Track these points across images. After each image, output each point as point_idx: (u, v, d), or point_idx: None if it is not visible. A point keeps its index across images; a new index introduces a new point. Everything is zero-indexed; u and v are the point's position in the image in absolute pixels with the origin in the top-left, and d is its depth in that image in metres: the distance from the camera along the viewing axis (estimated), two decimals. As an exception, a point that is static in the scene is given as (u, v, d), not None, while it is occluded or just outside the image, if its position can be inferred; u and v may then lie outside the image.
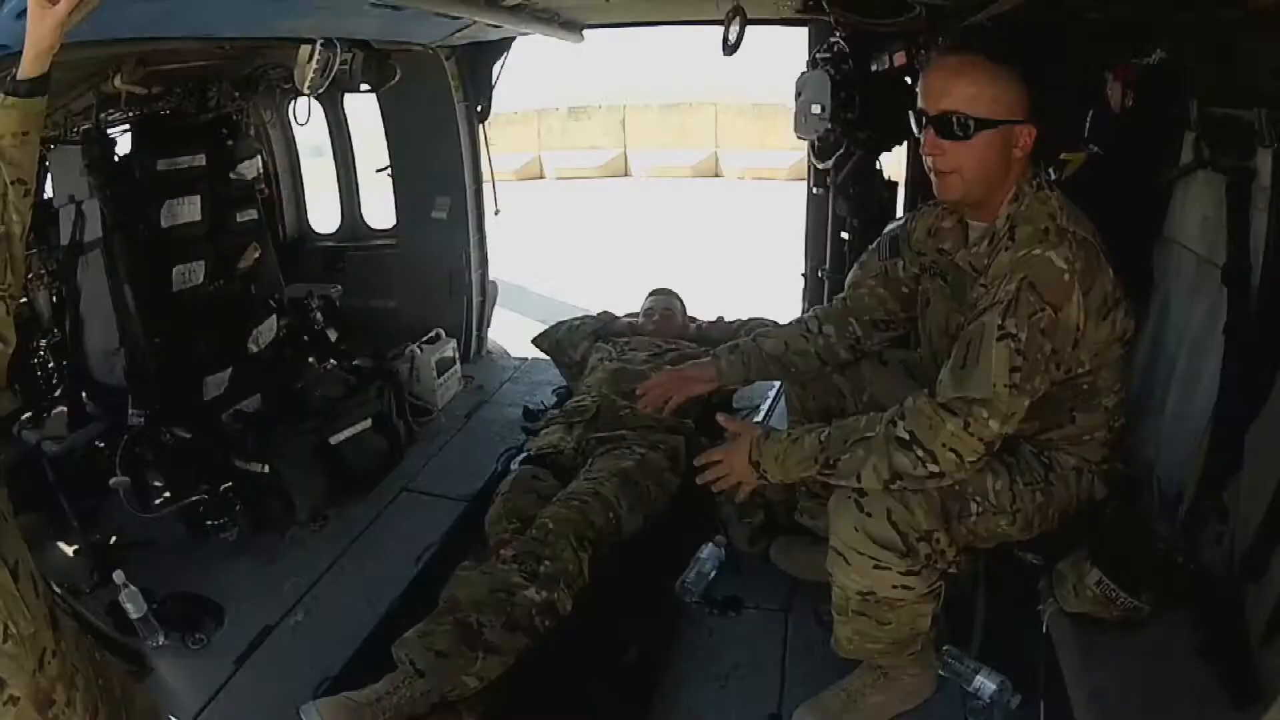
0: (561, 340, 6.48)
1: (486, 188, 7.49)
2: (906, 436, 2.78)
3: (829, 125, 5.38)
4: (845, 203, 5.80)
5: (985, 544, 3.24)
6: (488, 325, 7.97)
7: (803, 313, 4.85)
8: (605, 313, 6.77)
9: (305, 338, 6.56)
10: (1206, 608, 2.94)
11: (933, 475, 2.80)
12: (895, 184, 5.75)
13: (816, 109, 5.39)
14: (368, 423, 5.64)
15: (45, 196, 4.98)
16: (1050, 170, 3.64)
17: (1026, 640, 3.42)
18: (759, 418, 5.53)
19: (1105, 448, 3.20)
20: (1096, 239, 2.89)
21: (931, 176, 3.04)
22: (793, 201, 7.27)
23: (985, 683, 3.50)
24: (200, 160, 5.27)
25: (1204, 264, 3.49)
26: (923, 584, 3.01)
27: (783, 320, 4.81)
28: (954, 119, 2.86)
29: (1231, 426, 3.09)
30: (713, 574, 4.41)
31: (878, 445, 2.83)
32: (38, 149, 2.40)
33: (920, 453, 2.75)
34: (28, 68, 2.29)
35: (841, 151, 5.62)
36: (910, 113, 3.04)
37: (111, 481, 4.66)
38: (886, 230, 3.77)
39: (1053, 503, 3.15)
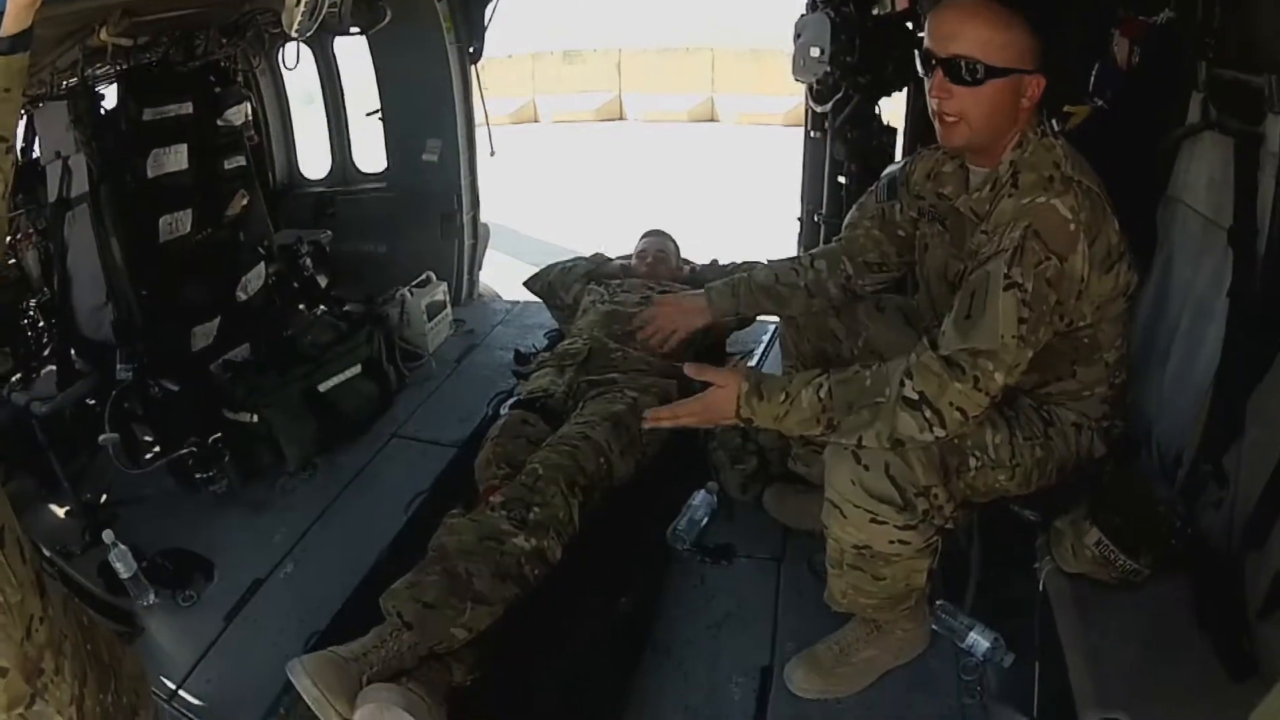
0: (554, 282, 6.43)
1: (480, 130, 7.42)
2: (915, 397, 2.70)
3: (828, 68, 5.33)
4: (843, 147, 5.73)
5: (982, 498, 3.20)
6: (479, 268, 7.93)
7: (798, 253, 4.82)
8: (598, 254, 6.73)
9: (295, 284, 6.53)
10: (1204, 574, 2.92)
11: (937, 438, 2.75)
12: (894, 129, 5.69)
13: (815, 52, 5.34)
14: (357, 369, 5.63)
15: (34, 155, 4.98)
16: (1054, 122, 3.61)
17: (1021, 598, 3.40)
18: (753, 361, 5.49)
19: (1106, 404, 3.17)
20: (1101, 189, 2.84)
21: (935, 121, 2.97)
22: (789, 146, 7.21)
23: (979, 640, 3.49)
24: (187, 108, 5.21)
25: (1209, 225, 3.45)
26: (919, 539, 2.98)
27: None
28: (964, 63, 2.78)
29: (1234, 391, 3.06)
30: (704, 521, 4.40)
31: (885, 411, 2.76)
32: (19, 106, 2.36)
33: (929, 413, 2.69)
34: (8, 24, 2.25)
35: (840, 95, 5.54)
36: (916, 53, 2.97)
37: (101, 438, 4.64)
38: (886, 173, 3.73)
39: (1051, 458, 3.12)
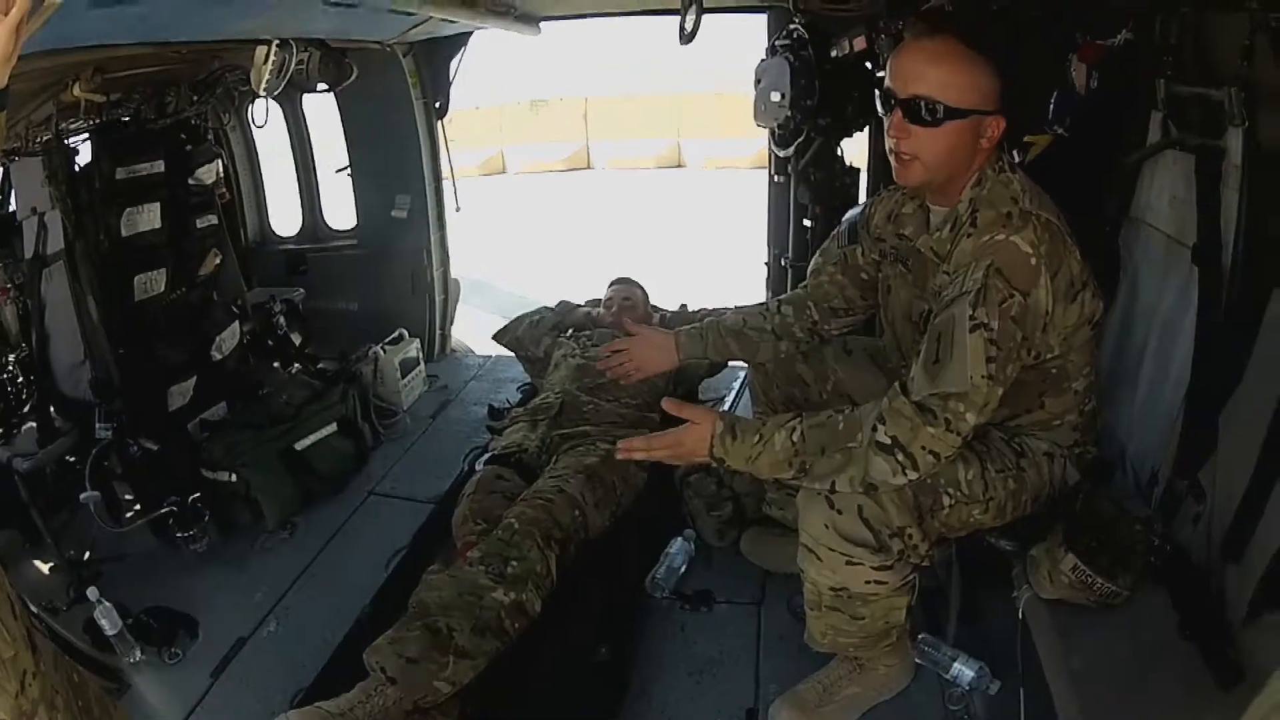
0: (522, 336, 6.44)
1: (447, 185, 7.48)
2: (888, 441, 2.72)
3: (789, 112, 5.35)
4: (807, 190, 5.81)
5: (958, 534, 3.22)
6: (451, 323, 7.98)
7: (766, 299, 4.88)
8: (563, 303, 6.78)
9: (269, 343, 6.54)
10: (1185, 588, 2.95)
11: (910, 480, 2.77)
12: (857, 170, 5.75)
13: (776, 96, 5.38)
14: (333, 427, 5.64)
15: (10, 210, 5.00)
16: (1014, 154, 3.65)
17: (1003, 626, 3.42)
18: (724, 408, 5.52)
19: (1077, 431, 3.19)
20: (1061, 220, 2.86)
21: (891, 159, 3.01)
22: (756, 189, 7.26)
23: (963, 670, 3.52)
24: (159, 167, 5.25)
25: (1173, 244, 3.50)
26: (896, 578, 2.99)
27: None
28: (923, 104, 2.81)
29: (1206, 407, 3.11)
30: (682, 569, 4.43)
31: (858, 456, 2.77)
32: None
33: (901, 456, 2.70)
34: None
35: (802, 139, 5.59)
36: (877, 92, 3.01)
37: (82, 496, 4.62)
38: (846, 217, 3.77)
39: (1025, 489, 3.14)
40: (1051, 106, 3.91)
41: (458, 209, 7.54)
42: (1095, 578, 2.93)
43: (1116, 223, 3.90)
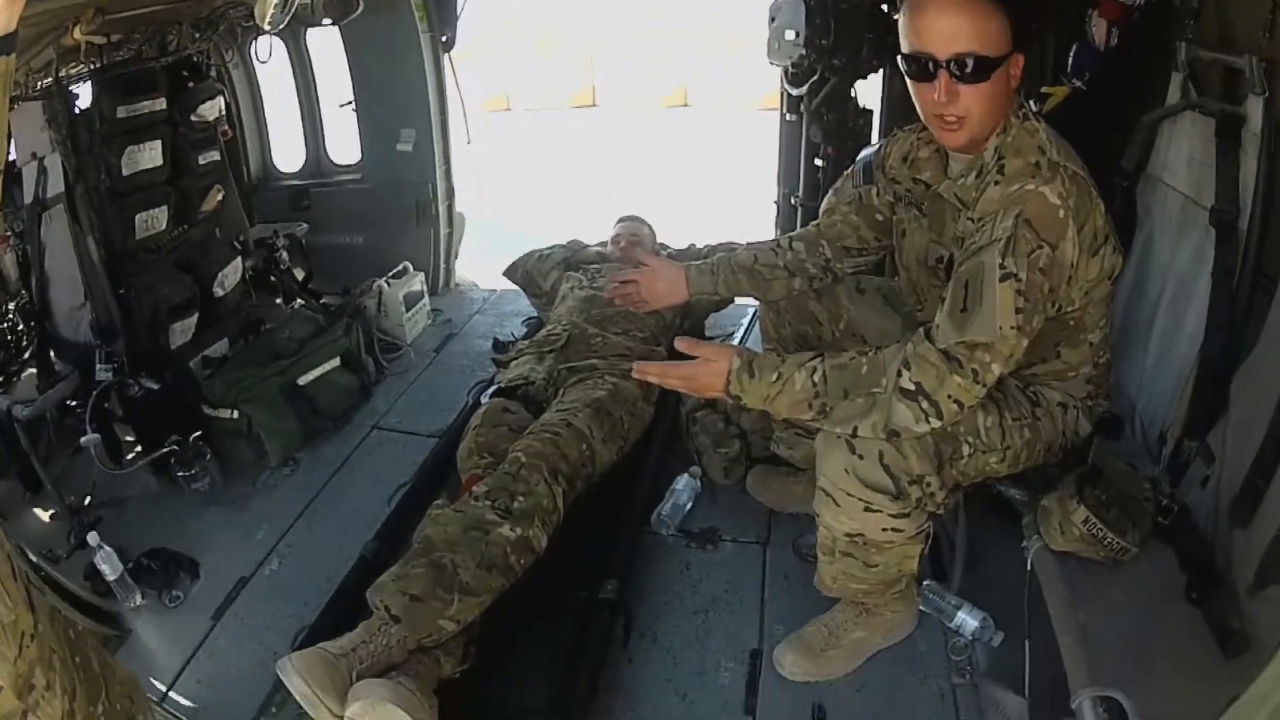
0: (531, 270, 6.39)
1: (458, 118, 7.43)
2: (912, 387, 2.67)
3: (803, 51, 5.30)
4: (819, 130, 5.75)
5: (972, 481, 3.18)
6: (456, 258, 7.96)
7: (776, 236, 4.82)
8: (574, 240, 6.70)
9: (272, 278, 6.50)
10: (1192, 552, 2.93)
11: (933, 428, 2.73)
12: (870, 111, 5.70)
13: (790, 35, 5.31)
14: (336, 361, 5.64)
15: (9, 157, 4.91)
16: (1031, 103, 3.60)
17: (1007, 577, 3.40)
18: (734, 344, 5.52)
19: (1090, 384, 3.16)
20: (1086, 173, 2.80)
21: (934, 124, 2.90)
22: (765, 131, 7.19)
23: (967, 619, 3.52)
24: (160, 104, 5.20)
25: (1190, 204, 3.48)
26: (912, 526, 2.96)
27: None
28: (971, 60, 2.69)
29: (1217, 369, 3.10)
30: (688, 506, 4.43)
31: (882, 401, 2.72)
32: (6, 113, 2.30)
33: (925, 404, 2.66)
34: None
35: (815, 78, 5.56)
36: (902, 59, 2.85)
37: (82, 440, 4.60)
38: (861, 156, 3.75)
39: (1039, 438, 3.11)
40: (1070, 59, 3.88)
41: (469, 141, 7.50)
42: (1106, 532, 2.93)
43: (1134, 178, 3.86)
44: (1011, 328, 2.60)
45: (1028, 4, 3.44)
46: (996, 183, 2.78)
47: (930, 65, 2.73)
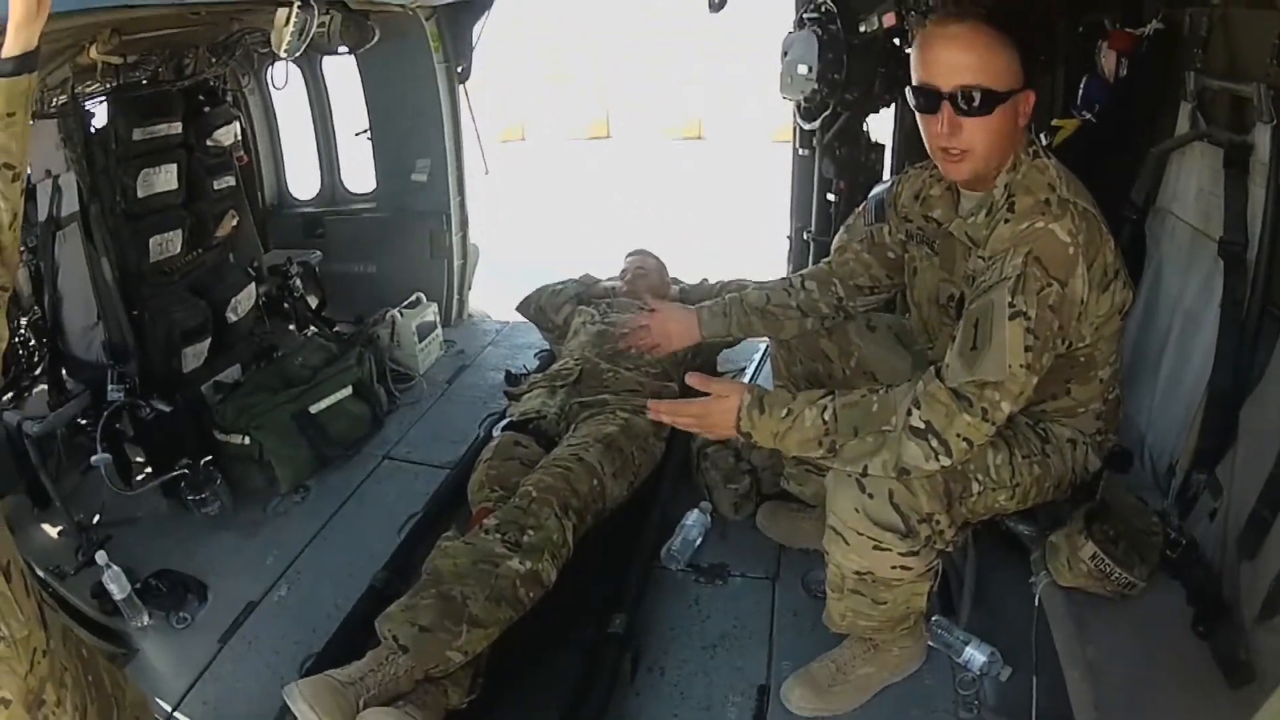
0: (544, 305, 6.38)
1: (474, 148, 7.45)
2: (922, 425, 2.68)
3: (815, 85, 5.31)
4: (831, 164, 5.75)
5: (981, 518, 3.18)
6: (469, 288, 7.95)
7: (788, 274, 4.84)
8: (586, 275, 6.69)
9: (285, 305, 6.53)
10: (1200, 584, 2.92)
11: (943, 466, 2.73)
12: (882, 146, 5.70)
13: (803, 69, 5.33)
14: (348, 390, 5.64)
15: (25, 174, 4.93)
16: (1041, 136, 3.61)
17: (1015, 612, 3.40)
18: (744, 380, 5.52)
19: (1100, 420, 3.16)
20: (1096, 209, 2.81)
21: (937, 156, 2.91)
22: (777, 163, 7.21)
23: (975, 654, 3.50)
24: (176, 128, 5.23)
25: (1198, 235, 3.49)
26: (921, 564, 2.96)
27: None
28: (975, 93, 2.71)
29: (1226, 401, 3.10)
30: (698, 541, 4.42)
31: (891, 440, 2.73)
32: (27, 132, 2.31)
33: (935, 443, 2.66)
34: (10, 43, 2.19)
35: (828, 113, 5.55)
36: (911, 91, 2.88)
37: (93, 459, 4.61)
38: (872, 194, 3.73)
39: (1049, 475, 3.10)
40: (1080, 91, 3.89)
41: (486, 171, 7.52)
42: (1114, 567, 2.90)
43: (1143, 211, 3.87)
44: (1021, 366, 2.61)
45: (1035, 37, 3.47)
46: (1007, 220, 2.79)
47: (935, 97, 2.76)
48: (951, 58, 2.73)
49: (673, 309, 3.92)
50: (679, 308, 3.93)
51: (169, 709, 3.66)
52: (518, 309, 6.61)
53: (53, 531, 4.73)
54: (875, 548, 2.89)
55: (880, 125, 5.69)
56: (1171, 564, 3.00)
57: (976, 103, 2.70)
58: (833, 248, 3.84)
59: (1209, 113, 3.47)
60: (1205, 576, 2.95)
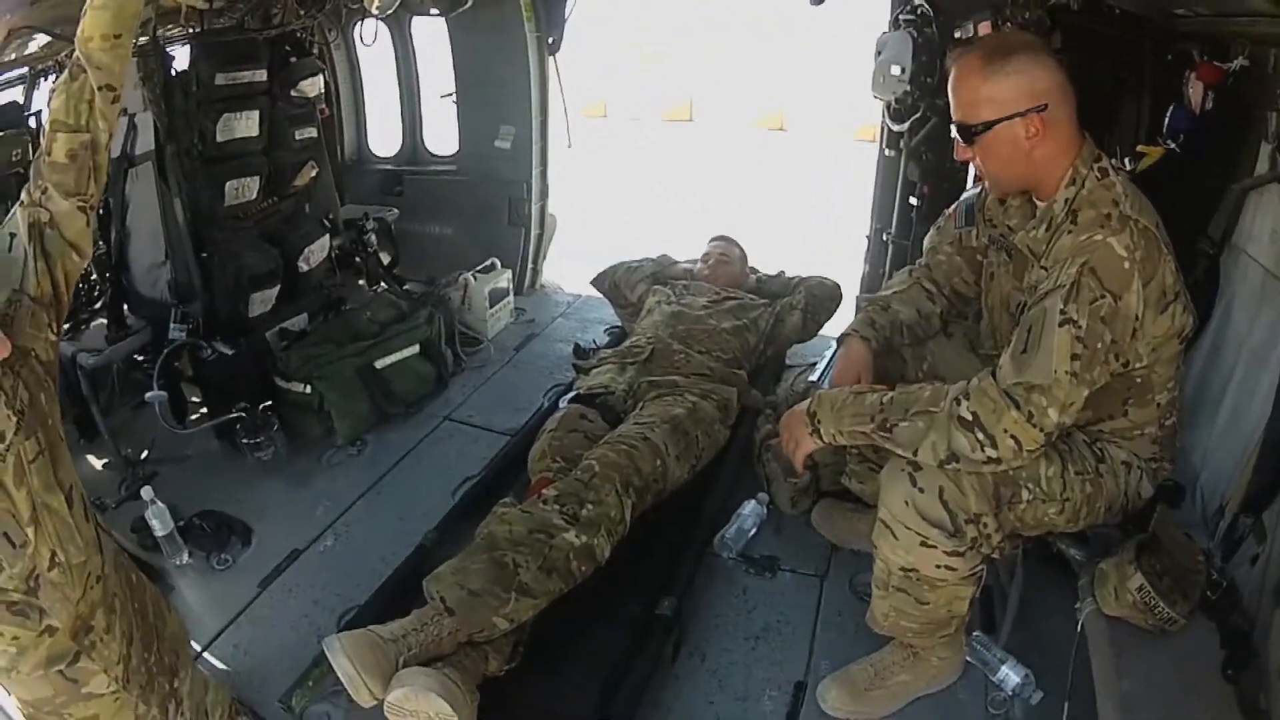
0: (619, 281, 6.34)
1: (559, 121, 7.43)
2: (969, 417, 2.72)
3: (907, 87, 5.33)
4: (917, 168, 5.74)
5: (1030, 531, 3.16)
6: (544, 259, 7.94)
7: (865, 275, 4.79)
8: (664, 256, 6.64)
9: (357, 259, 6.54)
10: (1234, 629, 2.90)
11: (990, 460, 2.73)
12: (970, 155, 5.62)
13: (896, 70, 5.35)
14: (415, 349, 5.65)
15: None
16: (1125, 161, 3.57)
17: (1055, 636, 3.38)
18: (814, 375, 5.44)
19: (1156, 445, 3.14)
20: (1159, 230, 2.82)
21: None
22: (859, 161, 7.16)
23: (1010, 674, 3.47)
24: (261, 75, 5.22)
25: (1270, 277, 3.46)
26: (966, 566, 2.95)
27: (844, 279, 4.76)
28: (962, 127, 2.95)
29: None
30: (753, 532, 4.38)
31: (940, 422, 2.78)
32: (129, 55, 2.32)
33: (981, 436, 2.70)
34: None
35: (918, 116, 5.53)
36: None
37: (148, 395, 4.65)
38: (964, 197, 3.71)
39: (1101, 495, 3.08)
40: (1166, 120, 3.90)
41: (569, 144, 7.50)
42: (1158, 601, 2.89)
43: (1219, 247, 3.84)
44: (1067, 373, 2.65)
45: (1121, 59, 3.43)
46: (1069, 232, 2.82)
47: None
48: (950, 94, 3.03)
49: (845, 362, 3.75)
50: (844, 356, 3.71)
51: (199, 648, 3.65)
52: (592, 283, 6.58)
53: (97, 464, 4.77)
54: (922, 544, 2.92)
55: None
56: (1210, 605, 2.97)
57: (963, 134, 2.97)
58: (925, 248, 3.80)
59: (1290, 155, 3.43)
60: (1240, 621, 2.93)
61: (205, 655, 3.66)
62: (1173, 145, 3.88)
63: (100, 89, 2.24)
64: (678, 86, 24.66)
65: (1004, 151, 2.88)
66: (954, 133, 2.99)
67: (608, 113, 23.89)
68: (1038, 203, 3.07)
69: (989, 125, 2.84)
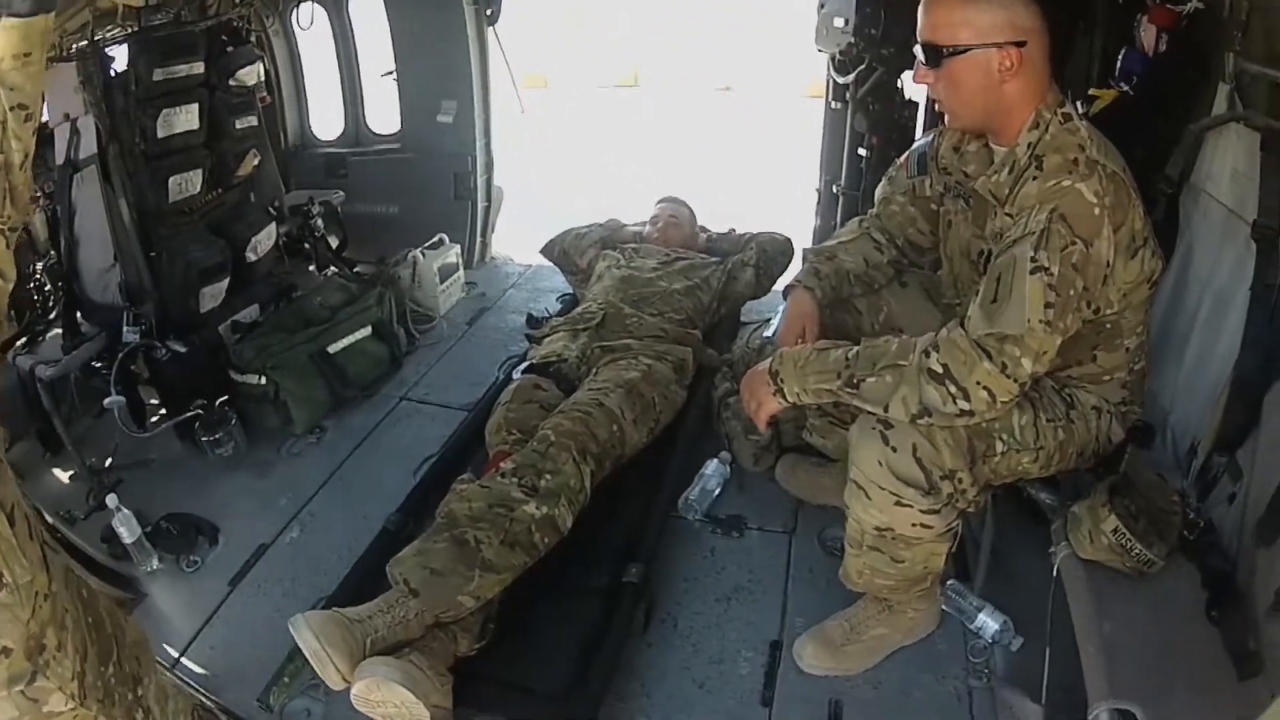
0: (568, 248, 6.31)
1: (507, 89, 7.39)
2: (940, 370, 2.70)
3: (851, 39, 5.35)
4: (864, 119, 5.75)
5: (1004, 480, 3.17)
6: (493, 231, 7.95)
7: (817, 228, 4.79)
8: (613, 220, 6.63)
9: (306, 245, 6.51)
10: (1215, 569, 2.94)
11: (963, 413, 2.72)
12: (916, 104, 5.70)
13: (839, 22, 5.38)
14: (367, 330, 5.63)
15: (42, 118, 4.89)
16: (1079, 104, 3.58)
17: (1030, 582, 3.41)
18: (769, 331, 5.49)
19: (1125, 389, 3.16)
20: (1126, 174, 2.82)
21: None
22: (810, 117, 7.17)
23: (988, 621, 3.50)
24: (198, 68, 5.18)
25: (1232, 217, 3.49)
26: (942, 523, 2.95)
27: (795, 234, 4.77)
28: (926, 48, 2.89)
29: (1251, 385, 3.11)
30: (717, 492, 4.40)
31: (909, 376, 2.76)
32: (42, 72, 2.29)
33: (953, 389, 2.68)
34: None
35: (863, 67, 5.56)
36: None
37: (106, 401, 4.61)
38: (915, 146, 3.72)
39: (1072, 440, 3.10)
40: (1119, 63, 3.92)
41: (522, 111, 7.46)
42: (1134, 542, 2.93)
43: (1178, 186, 3.87)
44: (1040, 321, 2.62)
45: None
46: (1035, 178, 2.80)
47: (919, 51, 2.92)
48: (921, 14, 2.94)
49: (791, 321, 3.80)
50: (794, 301, 3.81)
51: (176, 654, 3.65)
52: (541, 251, 6.55)
53: (64, 476, 4.74)
54: (897, 503, 2.90)
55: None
56: (1188, 545, 3.02)
57: (929, 57, 2.91)
58: (876, 199, 3.81)
59: (1247, 96, 3.44)
60: (1221, 561, 2.96)
61: (183, 660, 3.64)
62: (1125, 88, 3.90)
63: (12, 109, 2.20)
64: (621, 52, 24.55)
65: (973, 81, 2.84)
66: (919, 54, 2.92)
67: (549, 82, 23.79)
68: (995, 147, 3.06)
69: (962, 49, 2.80)
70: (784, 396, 3.06)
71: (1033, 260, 2.63)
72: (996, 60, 2.79)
